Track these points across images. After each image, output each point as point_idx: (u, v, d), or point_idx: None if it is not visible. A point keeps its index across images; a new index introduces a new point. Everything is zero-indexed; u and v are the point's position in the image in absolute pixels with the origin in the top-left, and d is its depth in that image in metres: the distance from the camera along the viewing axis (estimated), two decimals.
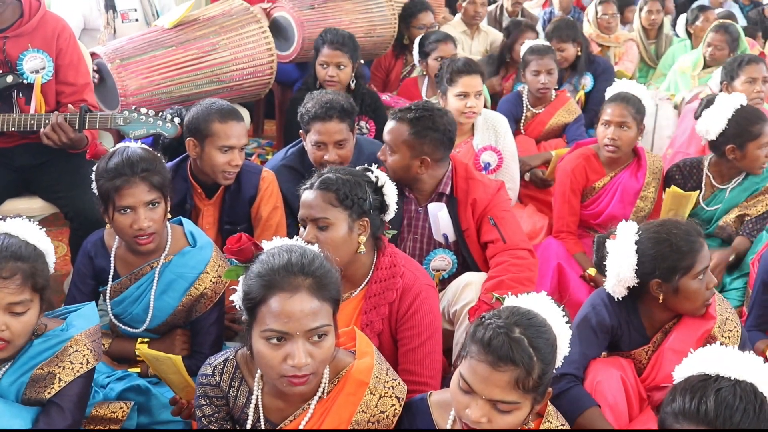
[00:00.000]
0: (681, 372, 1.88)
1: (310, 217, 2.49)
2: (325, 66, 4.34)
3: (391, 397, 2.05)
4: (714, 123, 3.61)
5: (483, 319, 1.92)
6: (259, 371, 2.03)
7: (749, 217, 3.59)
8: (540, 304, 1.98)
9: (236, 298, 2.00)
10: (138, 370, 2.75)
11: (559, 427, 2.03)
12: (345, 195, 2.48)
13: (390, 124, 3.14)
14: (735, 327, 2.52)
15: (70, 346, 2.21)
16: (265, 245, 2.05)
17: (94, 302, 2.44)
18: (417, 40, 5.09)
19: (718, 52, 5.42)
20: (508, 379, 1.81)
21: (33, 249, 2.18)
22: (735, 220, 3.63)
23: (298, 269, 1.88)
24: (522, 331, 1.85)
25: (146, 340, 2.81)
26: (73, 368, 2.20)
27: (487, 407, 1.84)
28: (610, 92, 3.94)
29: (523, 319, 1.89)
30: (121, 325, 2.80)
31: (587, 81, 5.32)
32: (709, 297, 2.48)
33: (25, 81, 3.35)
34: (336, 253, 2.33)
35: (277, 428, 2.04)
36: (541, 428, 2.00)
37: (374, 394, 2.03)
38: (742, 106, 3.61)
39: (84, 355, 2.22)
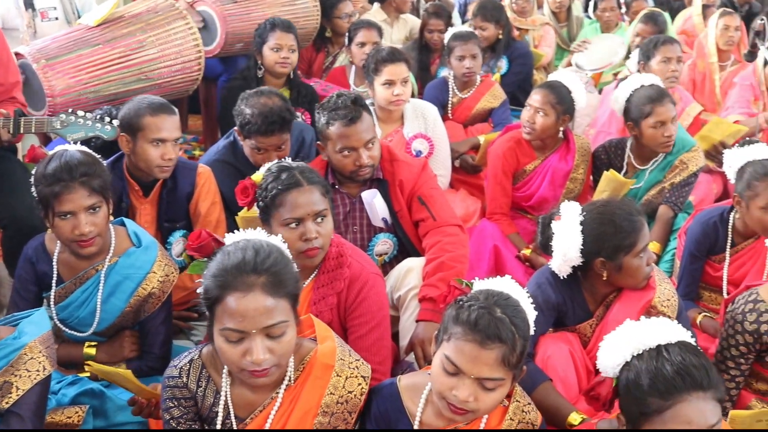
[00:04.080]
0: (604, 360, 2.03)
1: (314, 212, 2.52)
2: (277, 50, 4.36)
3: (357, 377, 2.09)
4: (618, 103, 3.77)
5: (462, 302, 1.99)
6: (226, 368, 2.05)
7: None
8: (507, 286, 2.06)
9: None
10: (88, 374, 2.69)
11: (527, 405, 2.12)
12: (324, 185, 2.60)
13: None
14: (672, 296, 2.63)
15: (25, 354, 2.16)
16: (228, 239, 2.07)
17: (44, 308, 2.40)
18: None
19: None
20: (495, 356, 1.90)
21: None
22: (656, 195, 3.77)
23: (251, 268, 1.90)
24: (502, 311, 1.94)
25: (93, 343, 2.78)
26: (29, 376, 2.15)
27: (474, 386, 1.92)
28: (552, 78, 3.96)
29: (500, 299, 1.98)
30: (66, 329, 2.76)
31: (502, 64, 5.42)
32: (650, 272, 2.59)
33: None
34: (328, 242, 2.55)
35: (246, 420, 2.06)
36: (511, 405, 2.08)
37: (340, 376, 2.07)
38: (642, 85, 3.71)
39: (40, 362, 2.18)
